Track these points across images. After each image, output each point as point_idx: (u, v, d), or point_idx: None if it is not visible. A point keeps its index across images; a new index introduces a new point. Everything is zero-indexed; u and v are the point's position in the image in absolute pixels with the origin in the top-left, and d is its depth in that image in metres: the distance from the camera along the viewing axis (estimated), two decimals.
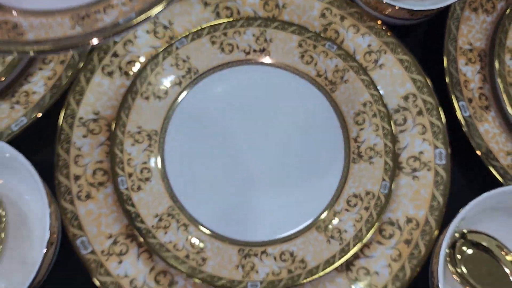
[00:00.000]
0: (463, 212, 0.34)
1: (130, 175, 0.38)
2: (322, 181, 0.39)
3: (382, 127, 0.39)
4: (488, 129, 0.41)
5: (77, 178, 0.38)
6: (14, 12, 0.25)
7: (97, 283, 0.36)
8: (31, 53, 0.25)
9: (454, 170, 0.41)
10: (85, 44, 0.25)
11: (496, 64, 0.41)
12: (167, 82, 0.41)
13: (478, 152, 0.40)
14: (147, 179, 0.38)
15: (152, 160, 0.39)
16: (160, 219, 0.37)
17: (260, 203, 0.39)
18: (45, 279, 0.36)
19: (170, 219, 0.37)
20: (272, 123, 0.41)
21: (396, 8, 0.40)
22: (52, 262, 0.36)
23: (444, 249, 0.34)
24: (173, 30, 0.42)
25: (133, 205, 0.37)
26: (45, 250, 0.33)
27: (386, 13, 0.41)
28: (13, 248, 0.38)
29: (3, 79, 0.40)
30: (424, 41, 0.46)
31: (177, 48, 0.41)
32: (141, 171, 0.38)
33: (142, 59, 0.41)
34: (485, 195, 0.35)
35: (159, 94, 0.40)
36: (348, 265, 0.37)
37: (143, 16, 0.24)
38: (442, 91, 0.41)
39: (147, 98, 0.40)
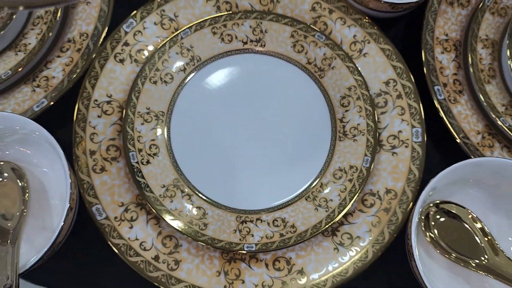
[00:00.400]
0: (433, 181, 0.39)
1: (140, 150, 0.42)
2: (311, 157, 0.44)
3: (365, 108, 0.44)
4: (461, 111, 0.45)
5: (92, 153, 0.43)
6: None
7: (111, 245, 0.40)
8: (21, 8, 0.28)
9: (430, 147, 0.46)
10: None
11: (469, 52, 0.46)
12: (172, 68, 0.45)
13: (458, 140, 0.44)
14: (155, 154, 0.43)
15: (160, 138, 0.44)
16: (167, 189, 0.42)
17: (255, 176, 0.43)
18: (64, 242, 0.41)
19: (176, 190, 0.42)
20: (267, 105, 0.46)
21: (380, 1, 0.45)
22: (71, 227, 0.41)
23: (416, 214, 0.39)
24: (178, 22, 0.47)
25: (143, 177, 0.42)
26: (66, 213, 0.38)
27: (370, 6, 0.46)
28: (34, 216, 0.42)
29: (20, 69, 0.44)
30: (404, 32, 0.50)
31: (181, 38, 0.46)
32: (150, 147, 0.43)
33: (150, 48, 0.46)
34: (453, 166, 0.39)
35: (165, 79, 0.45)
36: (333, 231, 0.42)
37: None
38: (420, 77, 0.46)
39: (155, 82, 0.45)
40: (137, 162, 0.42)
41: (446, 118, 0.44)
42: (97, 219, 0.41)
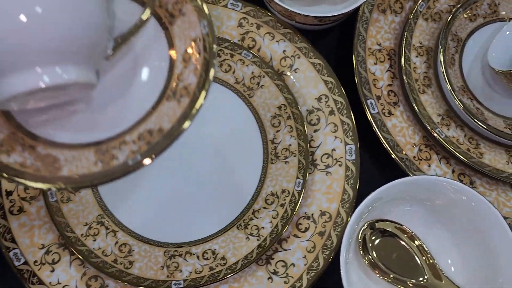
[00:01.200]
0: (363, 203, 0.37)
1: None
2: (243, 182, 0.42)
3: (296, 128, 0.42)
4: (396, 124, 0.44)
5: (9, 193, 0.40)
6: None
7: None
8: (69, 189, 0.29)
9: (367, 162, 0.44)
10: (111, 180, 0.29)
11: (402, 62, 0.44)
12: None
13: (392, 155, 0.43)
14: None
15: None
16: (90, 227, 0.40)
17: (185, 205, 0.41)
18: None
19: (99, 227, 0.40)
20: (196, 131, 0.43)
21: (305, 15, 0.43)
22: None
23: (347, 237, 0.37)
24: None
25: (62, 216, 0.39)
26: None
27: (297, 20, 0.44)
28: None
29: None
30: (337, 43, 0.48)
31: None
32: None
33: None
34: (381, 188, 0.37)
35: None
36: (268, 259, 0.40)
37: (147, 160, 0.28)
38: (354, 90, 0.44)
39: None
40: (56, 201, 0.40)
41: (380, 133, 0.43)
42: (15, 265, 0.39)
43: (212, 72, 0.30)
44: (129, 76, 0.31)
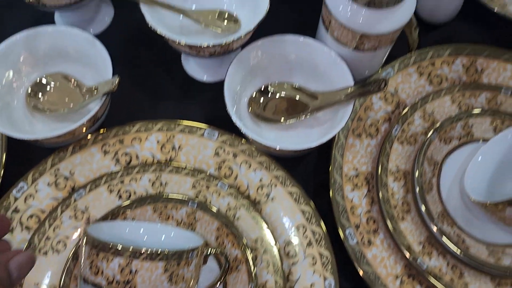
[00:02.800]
0: None
1: None
2: None
3: (272, 263, 0.41)
4: (376, 254, 0.43)
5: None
6: None
7: None
8: None
9: None
10: None
11: (380, 190, 0.44)
12: (65, 235, 0.42)
13: None
14: None
15: None
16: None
17: None
18: None
19: None
20: None
21: (281, 149, 0.43)
22: None
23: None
24: (74, 179, 0.44)
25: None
26: None
27: (273, 152, 0.44)
28: None
29: None
30: (314, 169, 0.48)
31: (75, 200, 0.43)
32: None
33: (44, 212, 0.43)
34: None
35: (57, 247, 0.42)
36: None
37: None
38: (333, 217, 0.44)
39: (45, 253, 0.41)
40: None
41: (360, 266, 0.42)
42: None
43: None
44: None
